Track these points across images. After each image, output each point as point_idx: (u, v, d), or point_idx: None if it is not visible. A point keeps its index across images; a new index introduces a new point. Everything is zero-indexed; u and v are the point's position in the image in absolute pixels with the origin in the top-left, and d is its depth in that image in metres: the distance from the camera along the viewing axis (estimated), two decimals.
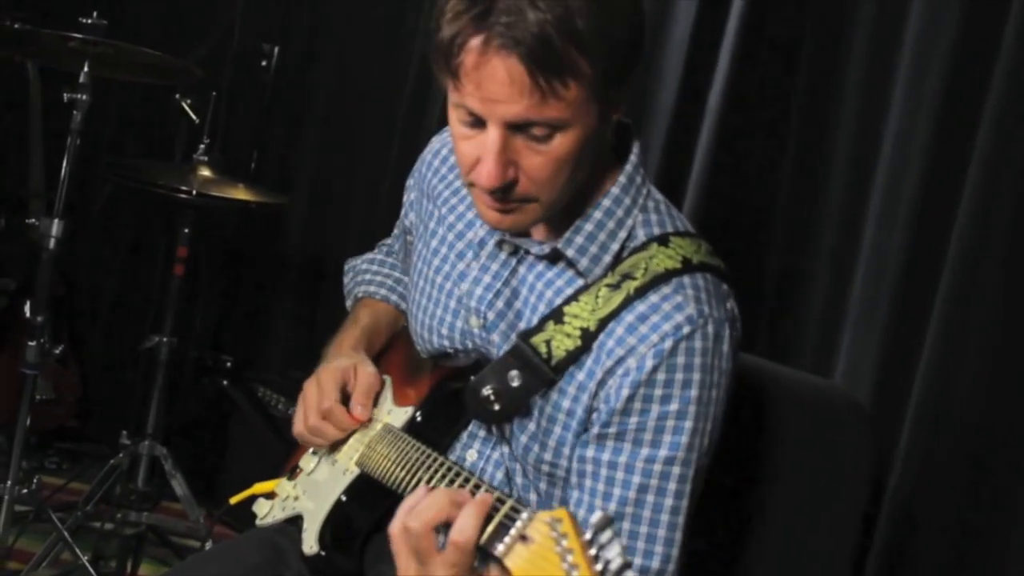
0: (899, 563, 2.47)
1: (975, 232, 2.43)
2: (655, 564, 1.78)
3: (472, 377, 1.86)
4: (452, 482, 1.72)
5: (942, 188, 2.55)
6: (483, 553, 1.60)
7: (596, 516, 1.44)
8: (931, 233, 2.56)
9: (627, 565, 1.41)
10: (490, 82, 1.66)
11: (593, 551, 1.43)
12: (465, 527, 1.56)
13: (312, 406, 2.03)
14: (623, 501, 1.77)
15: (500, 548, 1.54)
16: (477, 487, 1.66)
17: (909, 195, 2.64)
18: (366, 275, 2.33)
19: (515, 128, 1.70)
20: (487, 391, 1.83)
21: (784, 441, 2.16)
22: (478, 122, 1.72)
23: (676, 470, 1.77)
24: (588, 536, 1.44)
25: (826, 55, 2.96)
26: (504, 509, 1.57)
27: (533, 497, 1.90)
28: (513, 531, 1.53)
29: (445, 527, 1.60)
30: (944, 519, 2.45)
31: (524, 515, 1.54)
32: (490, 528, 1.57)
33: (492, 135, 1.70)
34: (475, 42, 1.65)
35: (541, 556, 1.49)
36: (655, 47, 3.34)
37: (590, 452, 1.80)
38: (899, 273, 2.63)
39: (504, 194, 1.75)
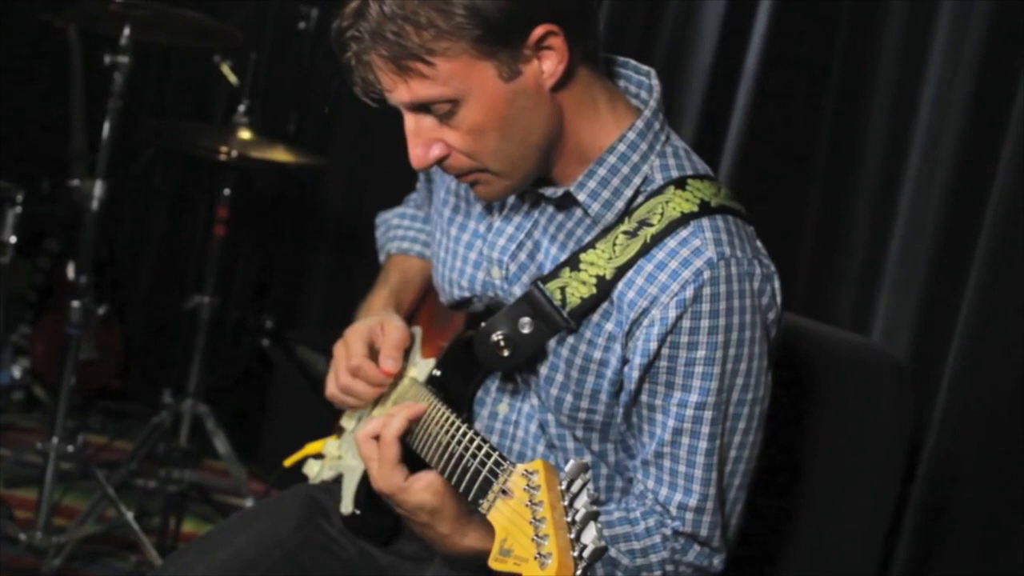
0: (937, 522, 2.48)
1: (1014, 192, 2.41)
2: (693, 501, 1.81)
3: (483, 324, 1.86)
4: (459, 442, 1.72)
5: (980, 149, 2.54)
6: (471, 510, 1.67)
7: (570, 464, 1.47)
8: (969, 194, 2.55)
9: (592, 516, 1.44)
10: (377, 75, 1.74)
11: (566, 501, 1.45)
12: (389, 423, 1.79)
13: (341, 365, 2.03)
14: (661, 442, 1.81)
15: (484, 504, 1.59)
16: (479, 447, 1.68)
17: (947, 156, 2.62)
18: (398, 230, 2.32)
19: (418, 109, 1.76)
20: (497, 336, 1.82)
21: (823, 398, 2.16)
22: None
23: (708, 414, 1.78)
24: (563, 485, 1.46)
25: (864, 16, 2.94)
26: (489, 464, 1.61)
27: (571, 445, 1.91)
28: (496, 486, 1.58)
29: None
30: (982, 478, 2.45)
31: (504, 467, 1.58)
32: (476, 485, 1.62)
33: (406, 120, 1.78)
34: (352, 44, 1.73)
35: (515, 511, 1.51)
36: (692, 8, 3.34)
37: (629, 395, 1.82)
38: (937, 233, 2.62)
39: (445, 169, 1.82)
